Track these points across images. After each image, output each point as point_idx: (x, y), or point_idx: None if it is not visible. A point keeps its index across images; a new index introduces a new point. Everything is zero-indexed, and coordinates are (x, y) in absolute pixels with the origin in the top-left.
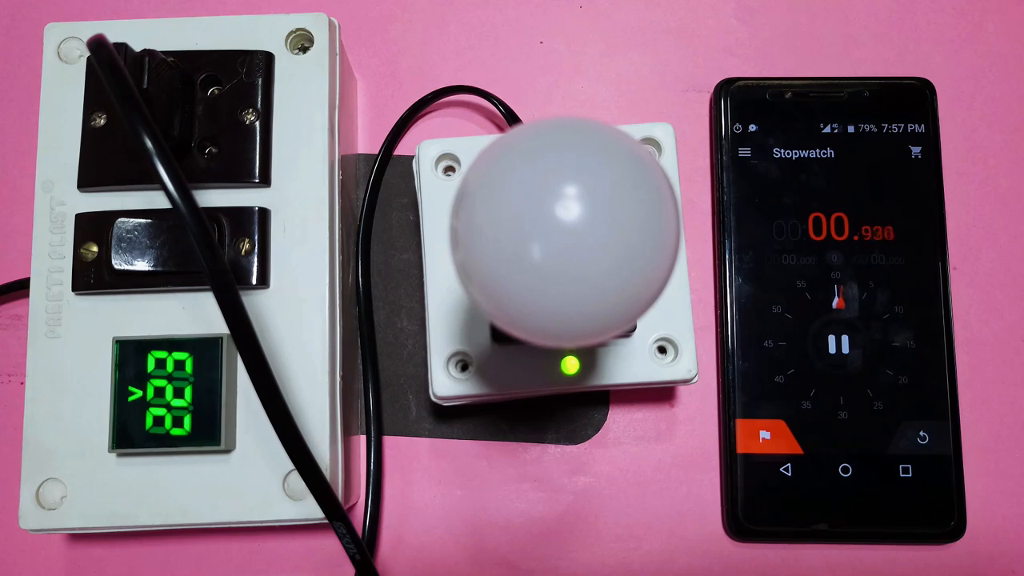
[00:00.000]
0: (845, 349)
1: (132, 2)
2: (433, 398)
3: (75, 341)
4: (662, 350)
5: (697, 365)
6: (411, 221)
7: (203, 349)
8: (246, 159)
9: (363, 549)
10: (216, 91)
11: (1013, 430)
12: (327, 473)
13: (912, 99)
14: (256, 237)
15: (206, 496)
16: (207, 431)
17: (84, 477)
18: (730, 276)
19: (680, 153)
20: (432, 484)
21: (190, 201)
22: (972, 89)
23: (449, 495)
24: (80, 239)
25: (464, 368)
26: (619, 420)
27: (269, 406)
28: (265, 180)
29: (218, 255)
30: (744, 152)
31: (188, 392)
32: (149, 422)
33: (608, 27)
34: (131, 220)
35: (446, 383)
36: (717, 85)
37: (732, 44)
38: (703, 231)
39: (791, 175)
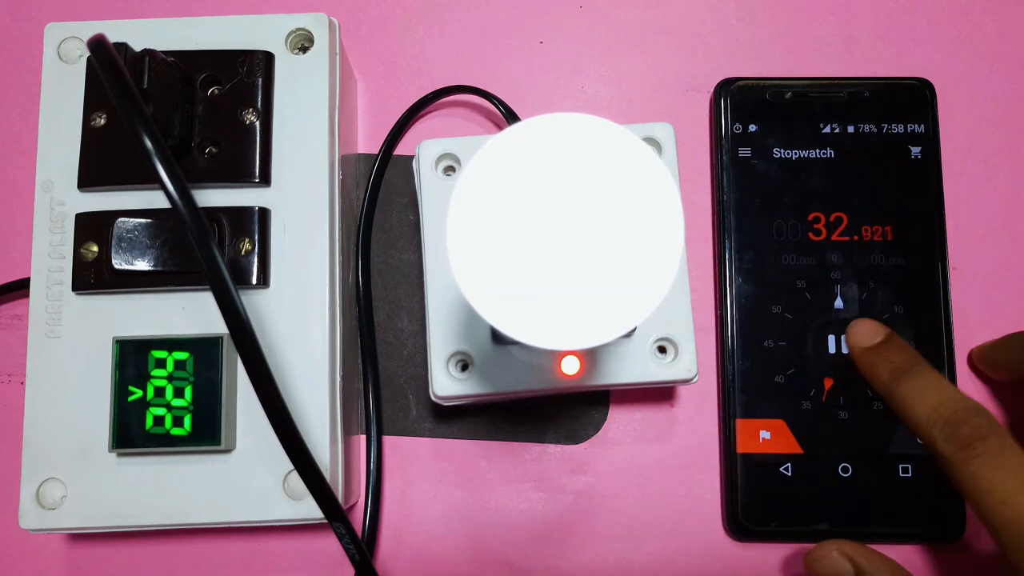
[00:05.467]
0: (845, 349)
1: (132, 2)
2: (433, 398)
3: (75, 341)
4: (662, 350)
5: (697, 365)
6: (411, 221)
7: (203, 349)
8: (246, 159)
9: (362, 550)
10: (216, 91)
11: None
12: (327, 473)
13: (912, 99)
14: (256, 237)
15: (206, 496)
16: (207, 431)
17: (84, 477)
18: (730, 276)
19: (680, 153)
20: (432, 484)
21: (190, 201)
22: (972, 89)
23: (449, 495)
24: (80, 239)
25: (464, 368)
26: (619, 420)
27: (268, 406)
28: (265, 180)
29: (217, 255)
30: (744, 152)
31: (188, 392)
32: (149, 422)
33: (608, 27)
34: (131, 220)
35: (446, 383)
36: (717, 85)
37: (732, 44)
38: (703, 231)
39: (791, 175)
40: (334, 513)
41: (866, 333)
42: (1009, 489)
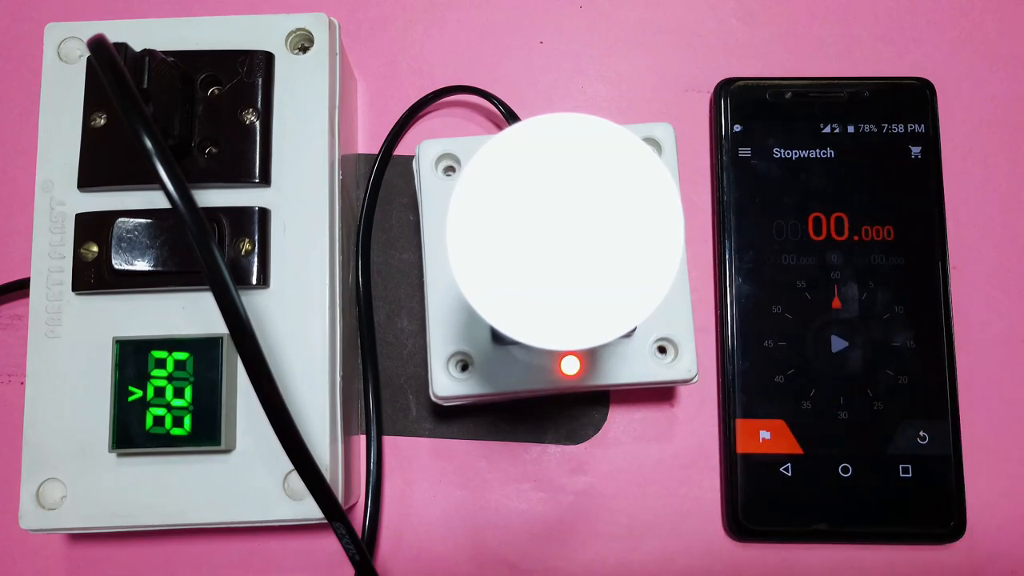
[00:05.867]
0: (845, 349)
1: (132, 2)
2: (433, 398)
3: (75, 341)
4: (662, 350)
5: (697, 365)
6: (411, 221)
7: (203, 349)
8: (246, 159)
9: (362, 550)
10: (216, 91)
11: (1013, 430)
12: (327, 473)
13: (912, 99)
14: (256, 237)
15: (206, 496)
16: (207, 431)
17: (84, 477)
18: (730, 276)
19: (680, 153)
20: (432, 484)
21: (190, 201)
22: (972, 89)
23: (449, 495)
24: (80, 239)
25: (464, 368)
26: (619, 420)
27: (268, 406)
28: (265, 180)
29: (217, 255)
30: (744, 152)
31: (188, 392)
32: (149, 422)
33: (608, 27)
34: (131, 220)
35: (446, 383)
36: (717, 85)
37: (732, 44)
38: (703, 231)
39: (791, 175)
40: (334, 513)
41: None
42: None
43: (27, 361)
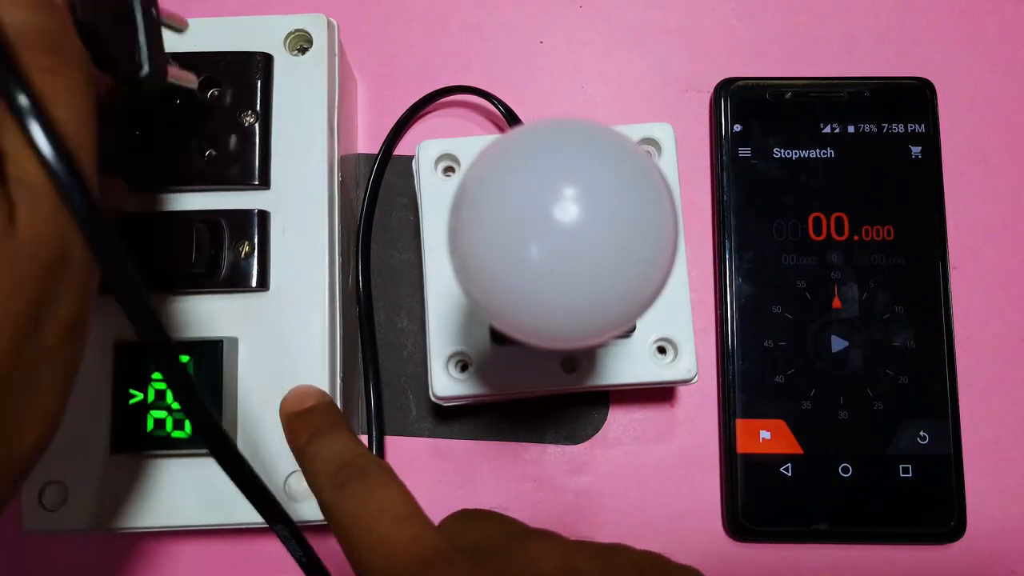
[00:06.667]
0: (845, 349)
1: None
2: (433, 398)
3: None
4: (662, 350)
5: (697, 365)
6: (411, 221)
7: (203, 351)
8: (245, 161)
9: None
10: (215, 93)
11: (1013, 430)
12: None
13: (912, 99)
14: (256, 240)
15: (206, 498)
16: None
17: (86, 478)
18: (730, 276)
19: (680, 153)
20: (432, 484)
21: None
22: (972, 89)
23: (449, 495)
24: None
25: (464, 368)
26: (619, 420)
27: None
28: (265, 182)
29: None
30: (744, 152)
31: None
32: (150, 424)
33: (608, 27)
34: (131, 223)
35: (446, 383)
36: (717, 85)
37: (732, 44)
38: (703, 231)
39: (791, 175)
40: (276, 516)
41: (295, 399)
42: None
43: None
